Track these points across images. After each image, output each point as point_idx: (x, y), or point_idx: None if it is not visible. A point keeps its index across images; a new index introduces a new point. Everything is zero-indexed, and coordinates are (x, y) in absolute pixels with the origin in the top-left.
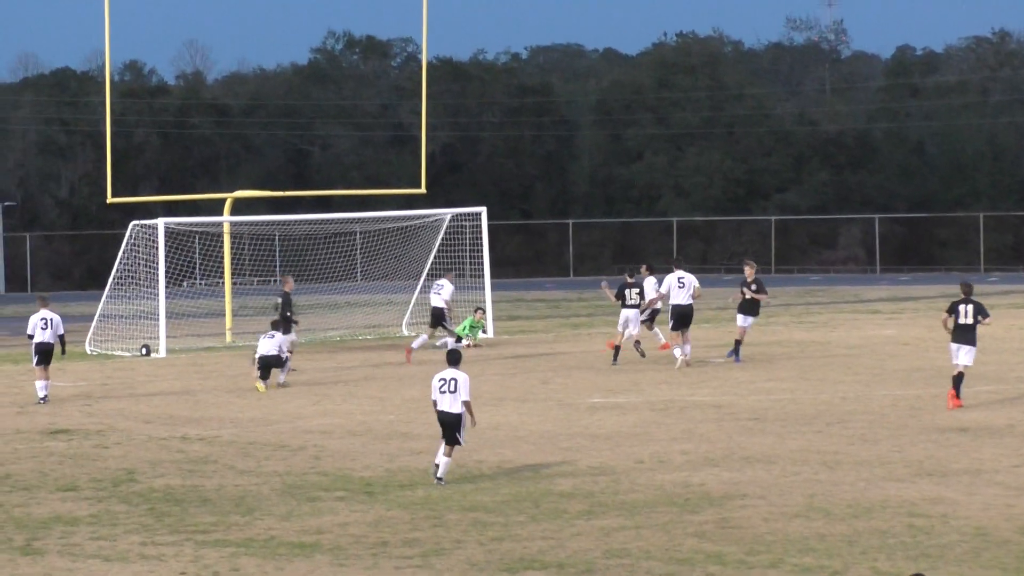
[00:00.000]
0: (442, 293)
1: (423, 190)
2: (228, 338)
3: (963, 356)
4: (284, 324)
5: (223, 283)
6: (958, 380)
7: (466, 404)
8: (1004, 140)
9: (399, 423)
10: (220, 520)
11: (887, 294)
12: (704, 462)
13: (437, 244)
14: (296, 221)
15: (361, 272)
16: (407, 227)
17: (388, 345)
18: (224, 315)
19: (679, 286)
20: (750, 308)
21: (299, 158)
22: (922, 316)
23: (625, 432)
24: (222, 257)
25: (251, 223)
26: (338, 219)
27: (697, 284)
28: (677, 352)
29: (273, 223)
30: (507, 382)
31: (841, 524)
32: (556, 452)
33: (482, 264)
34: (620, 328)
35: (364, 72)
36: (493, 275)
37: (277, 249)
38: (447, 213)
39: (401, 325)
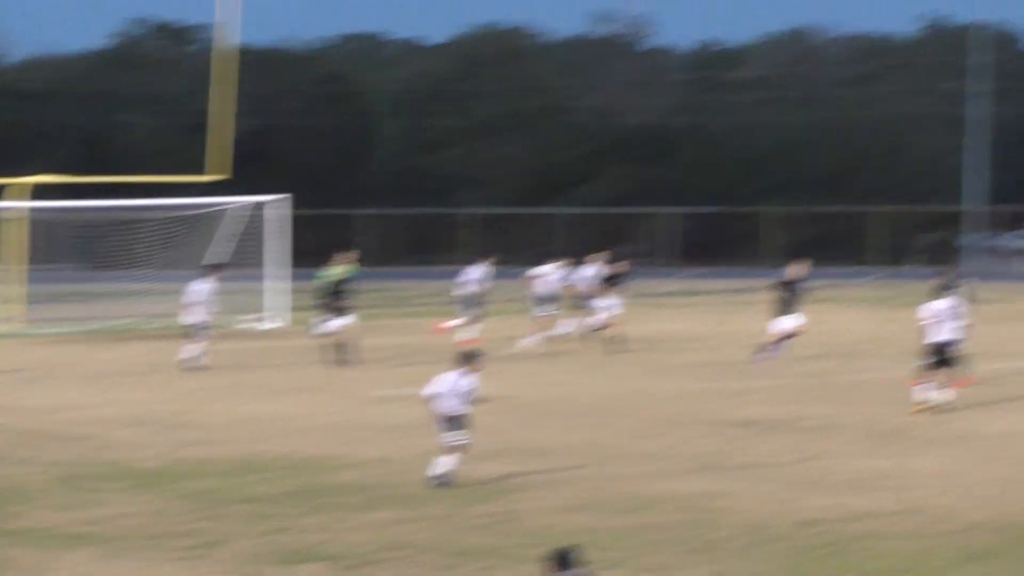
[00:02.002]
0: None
1: (226, 176)
2: (17, 325)
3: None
4: None
5: (12, 269)
6: None
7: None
8: (800, 136)
9: (182, 413)
10: None
11: (679, 288)
12: (486, 455)
13: (237, 232)
14: (92, 208)
15: (155, 260)
16: (207, 215)
17: (176, 335)
18: (15, 301)
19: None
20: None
21: (99, 144)
22: (713, 310)
23: (410, 424)
24: (16, 243)
25: (45, 209)
26: (136, 206)
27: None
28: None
29: (69, 209)
30: (298, 373)
31: (621, 517)
32: (340, 444)
33: (284, 253)
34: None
35: (166, 58)
36: (293, 264)
37: (70, 235)
38: (248, 201)
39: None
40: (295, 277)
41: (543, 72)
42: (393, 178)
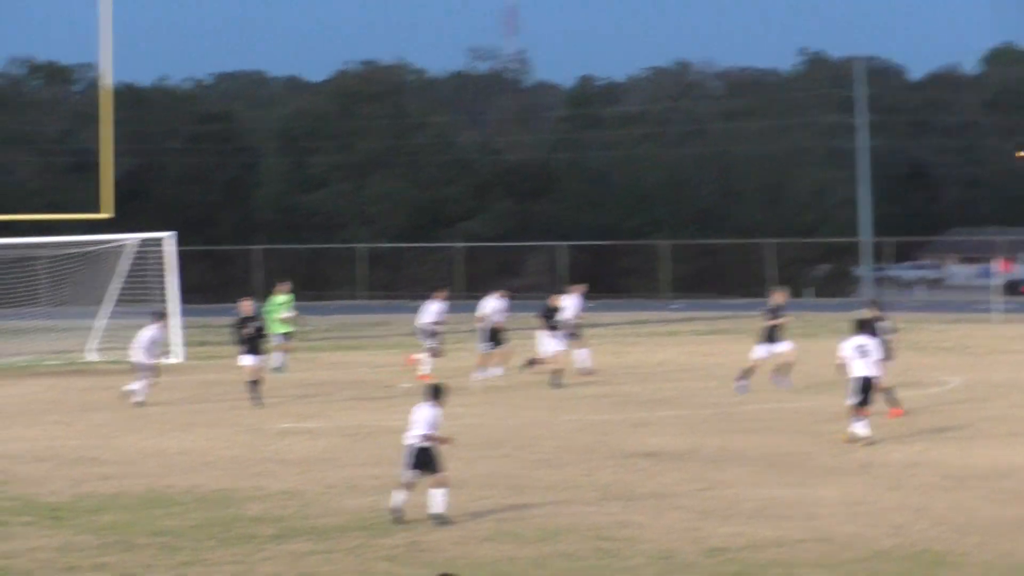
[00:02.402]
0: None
1: (109, 214)
2: None
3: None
4: None
5: None
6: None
7: (429, 437)
8: (684, 170)
9: (85, 448)
10: None
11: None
12: (394, 486)
13: (126, 269)
14: None
15: (46, 298)
16: (92, 252)
17: (74, 371)
18: None
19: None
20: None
21: None
22: (608, 342)
23: (315, 457)
24: None
25: None
26: (20, 243)
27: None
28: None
29: None
30: (197, 407)
31: (530, 547)
32: (246, 477)
33: (169, 290)
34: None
35: (45, 97)
36: (181, 301)
37: None
38: (134, 238)
39: (88, 350)
40: (188, 313)
41: (425, 108)
42: (280, 214)
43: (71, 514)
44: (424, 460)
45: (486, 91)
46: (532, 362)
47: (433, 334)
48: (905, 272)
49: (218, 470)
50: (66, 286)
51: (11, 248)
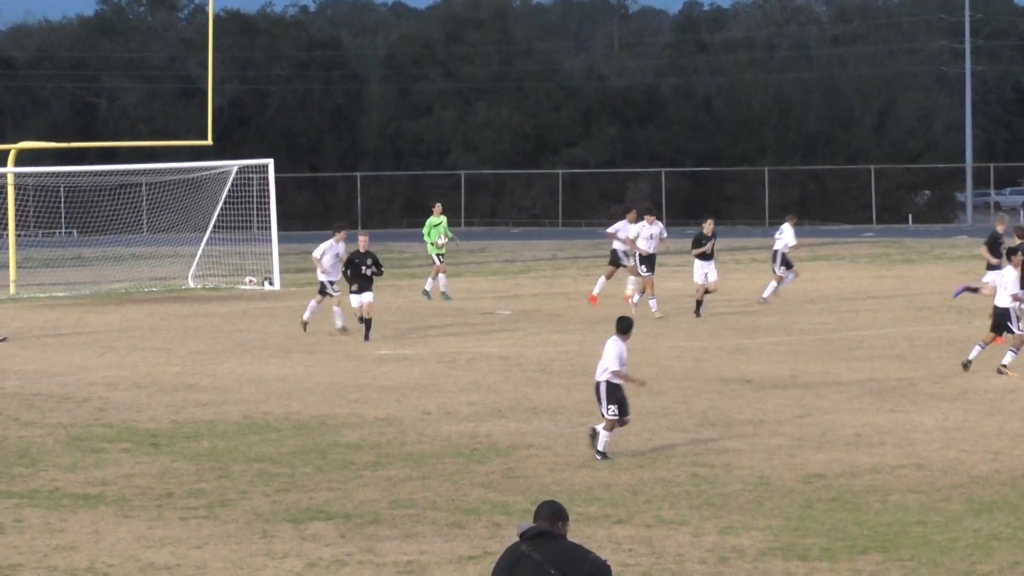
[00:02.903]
0: (782, 237)
1: (209, 142)
2: (12, 290)
3: None
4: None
5: (6, 235)
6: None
7: (616, 375)
8: (789, 96)
9: (184, 375)
10: (3, 472)
11: (674, 247)
12: (491, 413)
13: (224, 196)
14: (81, 172)
15: (147, 224)
16: (193, 179)
17: (174, 297)
18: (8, 267)
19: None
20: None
21: (86, 110)
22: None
23: (412, 384)
24: (5, 209)
25: (35, 174)
26: (123, 170)
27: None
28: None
29: (58, 175)
30: (294, 334)
31: (626, 474)
32: (343, 404)
33: (269, 217)
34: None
35: (151, 24)
36: (281, 228)
37: (62, 201)
38: (233, 165)
39: (187, 277)
40: (289, 239)
41: (531, 34)
42: (384, 141)
43: (168, 441)
44: (602, 395)
45: (592, 17)
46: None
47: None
48: (1008, 197)
49: (315, 396)
50: (167, 213)
51: (114, 175)
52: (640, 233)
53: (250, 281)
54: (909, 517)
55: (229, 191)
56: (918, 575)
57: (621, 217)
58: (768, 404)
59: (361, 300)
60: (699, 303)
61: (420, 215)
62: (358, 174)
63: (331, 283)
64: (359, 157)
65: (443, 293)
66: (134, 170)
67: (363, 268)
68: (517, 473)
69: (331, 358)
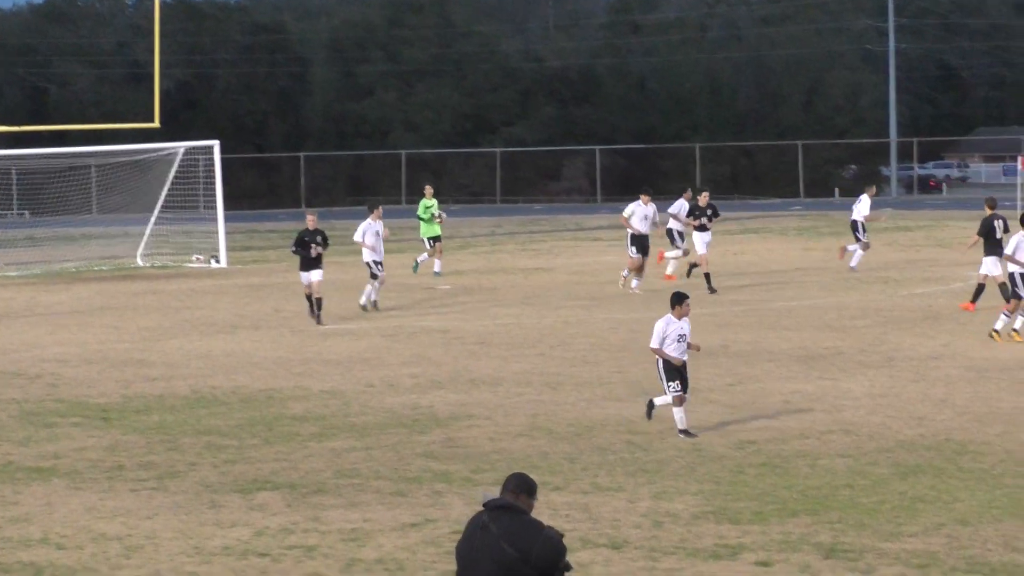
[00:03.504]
0: (859, 207)
1: (157, 125)
2: None
3: (992, 266)
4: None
5: None
6: (980, 291)
7: (654, 351)
8: (720, 75)
9: (134, 351)
10: None
11: (608, 222)
12: (432, 385)
13: (171, 177)
14: (33, 155)
15: (97, 205)
16: (141, 161)
17: (123, 276)
18: None
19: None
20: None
21: (37, 95)
22: None
23: (356, 357)
24: None
25: None
26: (74, 153)
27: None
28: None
29: (10, 157)
30: (241, 310)
31: (563, 442)
32: (289, 377)
33: (215, 196)
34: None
35: (100, 11)
36: (228, 207)
37: (14, 183)
38: (180, 147)
39: (136, 256)
40: (236, 219)
41: (470, 17)
42: (328, 122)
43: (119, 415)
44: (661, 372)
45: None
46: (693, 266)
47: (680, 233)
48: (931, 171)
49: (262, 370)
50: (116, 194)
51: (64, 157)
52: (635, 212)
53: (197, 259)
54: (837, 481)
55: (176, 172)
56: (846, 537)
57: (559, 194)
58: (700, 373)
59: (310, 278)
60: (707, 276)
61: (363, 194)
62: (302, 154)
63: (376, 263)
64: (303, 138)
65: (436, 272)
66: (84, 152)
67: (312, 246)
68: (457, 443)
69: (277, 333)
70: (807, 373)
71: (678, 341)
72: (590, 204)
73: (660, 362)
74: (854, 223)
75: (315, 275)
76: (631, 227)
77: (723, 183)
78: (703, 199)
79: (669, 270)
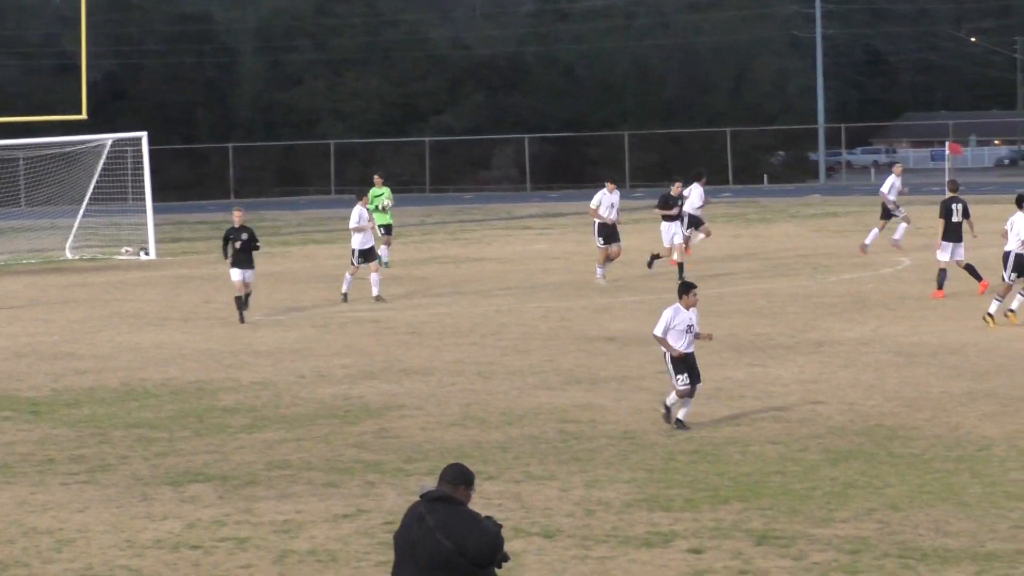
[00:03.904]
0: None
1: (84, 116)
2: None
3: (956, 252)
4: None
5: None
6: (943, 276)
7: (656, 339)
8: (648, 62)
9: (64, 344)
10: None
11: (538, 211)
12: (363, 375)
13: (99, 169)
14: None
15: (25, 198)
16: (69, 153)
17: (52, 269)
18: None
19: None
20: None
21: None
22: (572, 231)
23: (287, 348)
24: None
25: None
26: (0, 145)
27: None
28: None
29: None
30: (171, 302)
31: (496, 431)
32: (219, 369)
33: (144, 188)
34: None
35: (27, 2)
36: (156, 199)
37: None
38: (108, 138)
39: (65, 249)
40: (164, 210)
41: (397, 6)
42: (257, 112)
43: (49, 408)
44: (669, 365)
45: None
46: (656, 256)
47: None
48: (859, 156)
49: (192, 362)
50: (45, 186)
51: None
52: (602, 201)
53: (126, 251)
54: (768, 467)
55: (104, 163)
56: (778, 523)
57: (489, 182)
58: (631, 361)
59: (243, 276)
60: (654, 257)
61: (292, 184)
62: (231, 145)
63: (363, 251)
64: (231, 128)
65: (384, 262)
66: (11, 145)
67: (238, 243)
68: (389, 433)
69: (207, 324)
70: (737, 360)
71: (687, 332)
72: (520, 192)
73: (667, 356)
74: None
75: (248, 274)
76: (599, 216)
77: (652, 170)
78: (676, 189)
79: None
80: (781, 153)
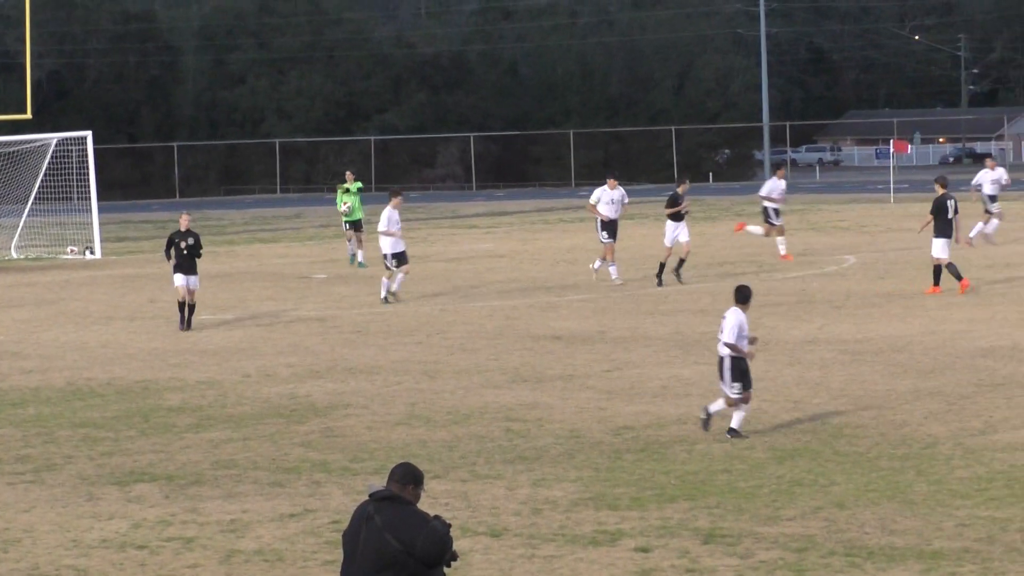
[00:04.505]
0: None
1: (28, 115)
2: None
3: (941, 250)
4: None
5: None
6: (939, 271)
7: (728, 346)
8: (592, 60)
9: (9, 343)
10: None
11: (484, 209)
12: (309, 374)
13: (44, 168)
14: None
15: None
16: (13, 152)
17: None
18: None
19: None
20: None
21: None
22: (517, 230)
23: (232, 347)
24: None
25: None
26: None
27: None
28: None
29: None
30: (116, 301)
31: (441, 430)
32: (165, 368)
33: (89, 187)
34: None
35: None
36: (101, 198)
37: None
38: (52, 138)
39: (10, 248)
40: (109, 209)
41: (341, 4)
42: (200, 111)
43: None
44: (725, 371)
45: None
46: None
47: (776, 212)
48: (803, 155)
49: (137, 362)
50: None
51: None
52: (601, 198)
53: (72, 251)
54: (715, 465)
55: (49, 163)
56: (724, 521)
57: (434, 181)
58: (577, 359)
59: (187, 282)
60: (662, 265)
61: (236, 183)
62: (175, 144)
63: (395, 255)
64: (175, 127)
65: (359, 262)
66: None
67: (183, 246)
68: (336, 432)
69: (152, 324)
70: (684, 358)
71: (743, 338)
72: (465, 191)
73: (726, 361)
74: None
75: (192, 280)
76: (598, 213)
77: (596, 168)
78: (683, 187)
79: (783, 250)
80: (726, 151)
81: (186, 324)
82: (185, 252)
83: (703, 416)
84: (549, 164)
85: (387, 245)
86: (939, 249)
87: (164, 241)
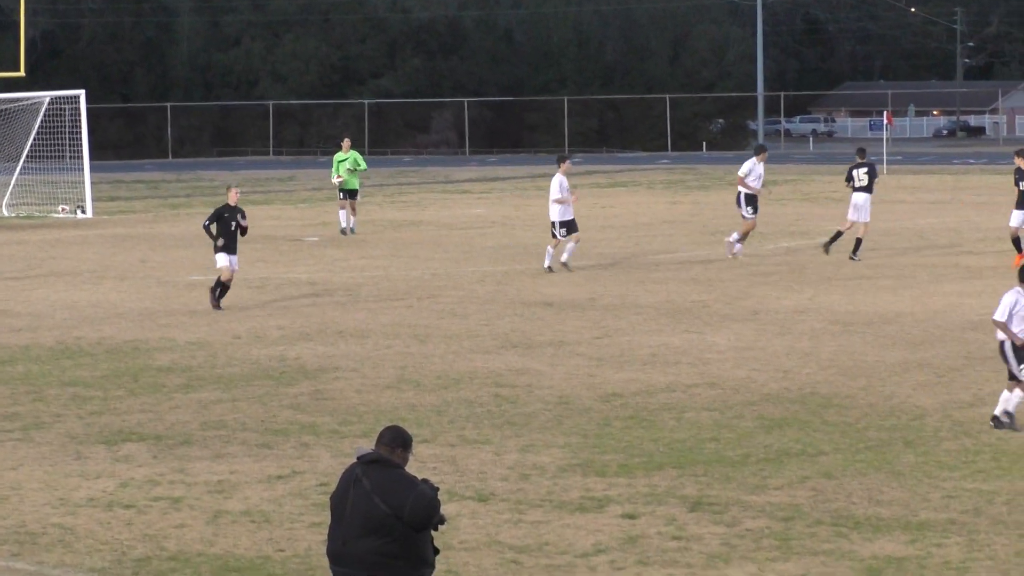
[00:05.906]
0: None
1: (22, 73)
2: None
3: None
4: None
5: None
6: (1018, 241)
7: (996, 324)
8: (588, 28)
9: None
10: None
11: (476, 175)
12: (299, 337)
13: (36, 127)
14: None
15: None
16: (5, 111)
17: None
18: None
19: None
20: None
21: None
22: (509, 195)
23: (223, 308)
24: None
25: None
26: None
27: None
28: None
29: None
30: (107, 261)
31: (431, 395)
32: (155, 328)
33: (81, 146)
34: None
35: None
36: (94, 157)
37: None
38: (45, 96)
39: (1, 206)
40: (101, 169)
41: None
42: (195, 72)
43: None
44: (1008, 355)
45: None
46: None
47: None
48: (797, 125)
49: (127, 322)
50: None
51: None
52: (752, 171)
53: (63, 209)
54: (703, 434)
55: (42, 121)
56: (711, 489)
57: (428, 146)
58: (568, 326)
59: (231, 262)
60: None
61: (229, 144)
62: (168, 104)
63: (562, 223)
64: (169, 88)
65: (350, 228)
66: None
67: (232, 224)
68: (325, 395)
69: (143, 284)
70: (673, 326)
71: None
72: (459, 156)
73: (1007, 344)
74: None
75: (234, 261)
76: (747, 186)
77: (591, 136)
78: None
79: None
80: (720, 121)
81: (218, 304)
82: (235, 230)
83: (1005, 420)
84: (543, 131)
85: (556, 212)
86: (1019, 218)
87: (205, 218)
